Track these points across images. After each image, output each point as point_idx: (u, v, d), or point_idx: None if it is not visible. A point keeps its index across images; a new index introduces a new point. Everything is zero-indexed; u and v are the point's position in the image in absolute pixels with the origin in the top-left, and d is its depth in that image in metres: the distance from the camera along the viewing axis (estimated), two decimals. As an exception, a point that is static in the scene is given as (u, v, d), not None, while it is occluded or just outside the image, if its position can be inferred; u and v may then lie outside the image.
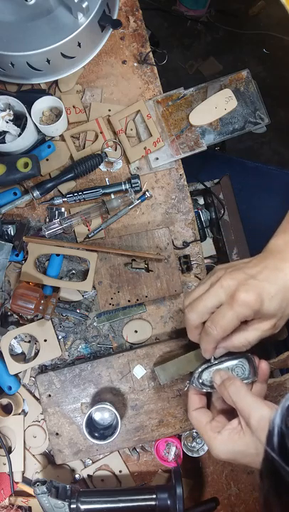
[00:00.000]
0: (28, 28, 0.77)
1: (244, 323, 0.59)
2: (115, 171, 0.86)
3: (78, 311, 0.82)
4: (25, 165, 0.78)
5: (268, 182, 1.28)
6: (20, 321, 0.82)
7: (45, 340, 0.80)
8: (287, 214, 0.65)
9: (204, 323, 0.60)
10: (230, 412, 0.63)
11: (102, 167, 0.85)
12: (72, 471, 0.82)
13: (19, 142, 0.78)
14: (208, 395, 0.67)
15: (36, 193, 0.80)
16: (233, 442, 0.57)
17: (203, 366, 0.67)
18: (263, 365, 0.65)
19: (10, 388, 0.79)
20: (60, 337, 0.82)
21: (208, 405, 0.67)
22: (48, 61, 0.79)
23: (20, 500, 0.79)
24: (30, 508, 0.80)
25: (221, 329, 0.58)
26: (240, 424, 0.57)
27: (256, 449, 0.55)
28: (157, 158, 0.84)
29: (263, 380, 0.65)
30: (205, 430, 0.61)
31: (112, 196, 0.84)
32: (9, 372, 0.79)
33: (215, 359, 0.66)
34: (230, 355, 0.65)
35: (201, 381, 0.66)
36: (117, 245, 0.81)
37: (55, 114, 0.84)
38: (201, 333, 0.61)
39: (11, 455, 0.79)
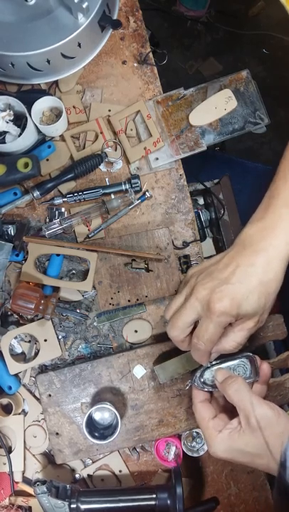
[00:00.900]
0: (28, 28, 0.77)
1: (229, 325, 0.59)
2: (115, 171, 0.86)
3: (78, 311, 0.82)
4: (26, 165, 0.78)
5: (268, 182, 1.27)
6: (21, 321, 0.82)
7: (45, 340, 0.80)
8: (263, 200, 0.63)
9: (191, 331, 0.61)
10: (231, 411, 0.63)
11: (102, 167, 0.85)
12: (73, 470, 0.82)
13: (19, 142, 0.78)
14: (211, 392, 0.68)
15: (36, 193, 0.80)
16: (233, 441, 0.57)
17: (205, 366, 0.67)
18: (265, 367, 0.65)
19: (10, 388, 0.79)
20: (60, 337, 0.82)
21: (211, 401, 0.67)
22: (48, 61, 0.79)
23: (20, 500, 0.80)
24: (30, 507, 0.80)
25: (208, 342, 0.58)
26: (240, 423, 0.58)
27: (255, 448, 0.56)
28: (157, 159, 0.84)
29: (264, 381, 0.65)
30: (207, 427, 0.61)
31: (112, 196, 0.84)
32: (9, 372, 0.79)
33: (218, 358, 0.67)
34: (232, 355, 0.65)
35: (202, 380, 0.67)
36: (117, 245, 0.81)
37: (56, 115, 0.84)
38: (192, 349, 0.61)
39: (11, 455, 0.79)
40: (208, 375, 0.67)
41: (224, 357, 0.66)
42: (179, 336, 0.61)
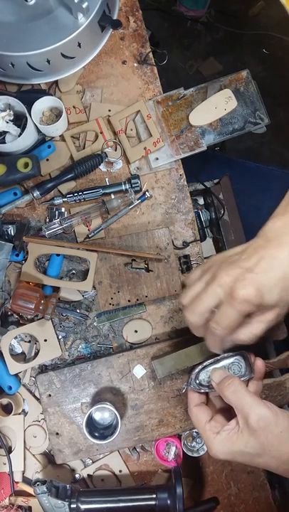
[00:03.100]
0: (28, 28, 0.77)
1: (247, 316, 0.58)
2: (115, 171, 0.86)
3: (78, 311, 0.82)
4: (26, 165, 0.78)
5: (268, 182, 1.27)
6: (21, 321, 0.82)
7: (45, 340, 0.80)
8: (286, 195, 0.63)
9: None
10: (228, 411, 0.63)
11: (102, 167, 0.85)
12: (72, 470, 0.82)
13: (19, 142, 0.78)
14: (208, 394, 0.68)
15: (36, 193, 0.80)
16: (232, 443, 0.57)
17: (200, 367, 0.67)
18: (259, 363, 0.65)
19: (10, 388, 0.79)
20: (60, 337, 0.82)
21: (207, 402, 0.67)
22: (48, 61, 0.79)
23: (20, 500, 0.80)
24: (30, 507, 0.80)
25: (226, 329, 0.57)
26: (238, 424, 0.58)
27: (254, 448, 0.56)
28: (157, 159, 0.84)
29: (259, 378, 0.65)
30: (204, 429, 0.61)
31: (112, 196, 0.84)
32: (9, 372, 0.79)
33: (211, 358, 0.67)
34: (230, 350, 0.65)
35: (198, 382, 0.67)
36: (117, 245, 0.81)
37: (55, 115, 0.84)
38: (207, 333, 0.60)
39: (11, 455, 0.79)
40: (203, 376, 0.67)
41: (220, 355, 0.66)
42: (197, 321, 0.60)
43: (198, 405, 0.65)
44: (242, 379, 0.62)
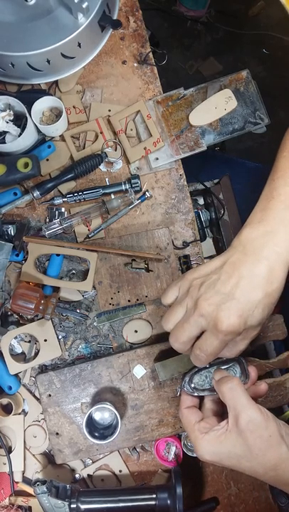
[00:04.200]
0: (28, 28, 0.77)
1: None
2: (115, 171, 0.86)
3: (78, 311, 0.82)
4: (26, 165, 0.78)
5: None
6: (21, 321, 0.82)
7: (45, 340, 0.80)
8: (260, 199, 0.60)
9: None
10: (221, 415, 0.63)
11: (102, 167, 0.85)
12: (72, 470, 0.82)
13: (19, 142, 0.78)
14: (201, 398, 0.67)
15: (36, 193, 0.80)
16: (219, 442, 0.56)
17: (194, 370, 0.67)
18: (251, 370, 0.65)
19: (10, 388, 0.79)
20: (60, 337, 0.82)
21: (200, 408, 0.66)
22: (48, 61, 0.79)
23: (20, 500, 0.80)
24: (30, 507, 0.80)
25: (210, 355, 0.57)
26: (227, 423, 0.57)
27: (242, 450, 0.55)
28: (157, 159, 0.84)
29: (252, 384, 0.65)
30: (192, 430, 0.60)
31: (112, 196, 0.84)
32: (9, 372, 0.79)
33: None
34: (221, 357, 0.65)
35: (192, 385, 0.66)
36: (117, 245, 0.81)
37: (55, 115, 0.84)
38: (191, 356, 0.60)
39: (11, 455, 0.79)
40: (197, 380, 0.67)
41: (215, 360, 0.66)
42: (182, 349, 0.59)
43: (189, 407, 0.65)
44: None
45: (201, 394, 0.66)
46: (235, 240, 0.58)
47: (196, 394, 0.66)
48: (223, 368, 0.66)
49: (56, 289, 0.82)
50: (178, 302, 0.59)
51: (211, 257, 1.01)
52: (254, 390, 0.63)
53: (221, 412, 0.63)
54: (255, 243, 0.56)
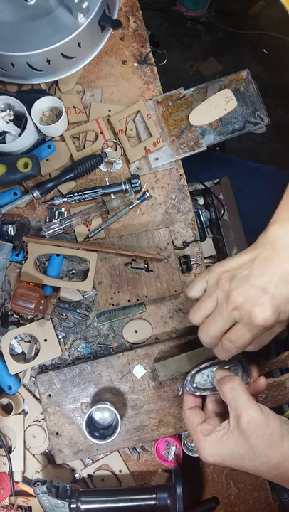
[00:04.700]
0: (28, 28, 0.77)
1: None
2: (115, 171, 0.86)
3: (78, 311, 0.82)
4: (26, 165, 0.78)
5: (268, 182, 1.27)
6: (21, 321, 0.82)
7: (45, 340, 0.80)
8: (283, 199, 0.60)
9: None
10: (223, 415, 0.63)
11: (102, 167, 0.85)
12: (72, 470, 0.82)
13: (19, 142, 0.78)
14: (203, 398, 0.67)
15: (36, 193, 0.80)
16: (222, 443, 0.56)
17: (196, 369, 0.67)
18: (253, 370, 0.65)
19: (10, 388, 0.79)
20: (60, 337, 0.82)
21: (203, 408, 0.66)
22: (48, 61, 0.79)
23: (20, 500, 0.80)
24: (30, 507, 0.80)
25: (240, 347, 0.56)
26: (229, 424, 0.57)
27: (244, 450, 0.55)
28: (157, 159, 0.84)
29: (256, 391, 0.64)
30: (195, 431, 0.60)
31: (112, 196, 0.84)
32: (9, 372, 0.79)
33: (207, 361, 0.66)
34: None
35: (194, 385, 0.66)
36: (117, 245, 0.81)
37: (55, 115, 0.84)
38: (218, 347, 0.59)
39: (11, 455, 0.79)
40: (199, 379, 0.67)
41: (217, 359, 0.66)
42: (211, 343, 0.59)
43: (192, 408, 0.65)
44: None
45: (203, 393, 0.66)
46: (261, 238, 0.58)
47: (198, 393, 0.66)
48: (225, 367, 0.66)
49: (56, 289, 0.82)
50: (207, 295, 0.58)
51: (211, 257, 1.01)
52: (253, 387, 0.63)
53: (223, 413, 0.63)
54: (285, 241, 0.56)
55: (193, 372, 0.67)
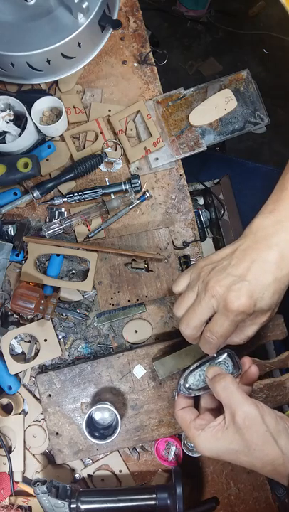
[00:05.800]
0: (28, 28, 0.77)
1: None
2: (115, 171, 0.86)
3: (78, 311, 0.82)
4: (26, 165, 0.78)
5: (268, 182, 1.27)
6: (21, 321, 0.82)
7: (45, 340, 0.80)
8: (273, 191, 0.61)
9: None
10: (218, 411, 0.63)
11: (102, 167, 0.85)
12: (72, 470, 0.82)
13: (19, 142, 0.78)
14: (196, 399, 0.67)
15: (36, 193, 0.80)
16: (216, 439, 0.56)
17: (187, 372, 0.67)
18: (246, 361, 0.65)
19: (10, 388, 0.79)
20: (60, 337, 0.82)
21: (197, 407, 0.66)
22: (48, 61, 0.79)
23: (20, 500, 0.80)
24: (30, 507, 0.80)
25: (221, 337, 0.57)
26: (224, 419, 0.57)
27: (239, 446, 0.55)
28: (157, 159, 0.84)
29: (250, 380, 0.64)
30: (189, 428, 0.60)
31: (112, 196, 0.84)
32: (9, 372, 0.79)
33: (197, 361, 0.67)
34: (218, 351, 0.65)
35: (188, 386, 0.67)
36: (117, 245, 0.81)
37: (55, 115, 0.84)
38: (201, 341, 0.60)
39: (11, 455, 0.79)
40: (192, 380, 0.67)
41: (207, 357, 0.67)
42: (193, 335, 0.60)
43: (184, 408, 0.65)
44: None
45: (197, 394, 0.66)
46: (246, 230, 0.59)
47: (192, 394, 0.66)
48: (215, 362, 0.66)
49: (56, 289, 0.82)
50: (189, 287, 0.60)
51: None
52: (246, 376, 0.63)
53: (216, 408, 0.63)
54: (266, 231, 0.57)
55: (185, 375, 0.67)
